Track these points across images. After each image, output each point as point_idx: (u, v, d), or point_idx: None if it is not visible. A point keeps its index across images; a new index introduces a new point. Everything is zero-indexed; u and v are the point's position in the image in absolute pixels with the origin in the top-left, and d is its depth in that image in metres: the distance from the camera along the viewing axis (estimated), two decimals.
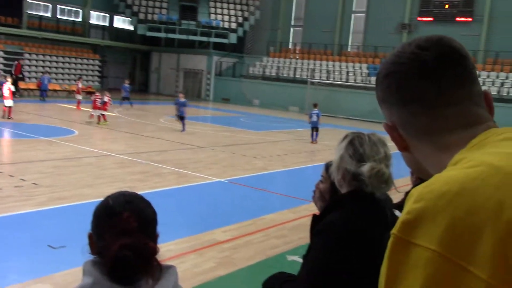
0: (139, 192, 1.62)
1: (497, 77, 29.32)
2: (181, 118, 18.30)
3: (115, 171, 10.59)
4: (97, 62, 36.37)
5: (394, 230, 0.71)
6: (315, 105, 18.88)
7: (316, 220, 2.04)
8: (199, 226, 7.27)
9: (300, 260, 6.47)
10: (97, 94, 19.15)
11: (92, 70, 35.73)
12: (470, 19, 31.69)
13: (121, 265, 1.39)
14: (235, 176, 11.09)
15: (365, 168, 1.90)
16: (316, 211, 2.33)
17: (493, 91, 27.18)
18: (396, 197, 2.32)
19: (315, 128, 18.00)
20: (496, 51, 30.27)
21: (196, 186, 9.92)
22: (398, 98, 0.88)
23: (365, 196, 1.94)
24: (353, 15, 36.57)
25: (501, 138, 0.80)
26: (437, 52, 0.85)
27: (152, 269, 1.44)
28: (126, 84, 26.23)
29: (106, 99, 18.85)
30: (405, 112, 0.87)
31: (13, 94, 18.19)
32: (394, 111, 0.89)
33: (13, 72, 27.68)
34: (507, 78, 29.22)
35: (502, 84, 28.57)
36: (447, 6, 32.52)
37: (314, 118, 17.89)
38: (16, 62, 28.57)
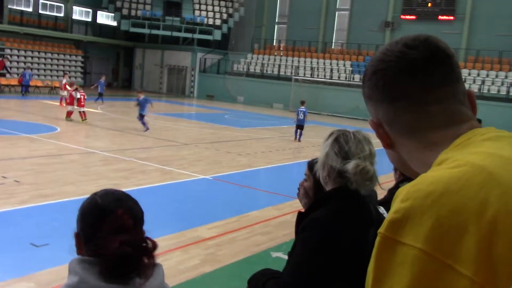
0: (124, 189, 1.62)
1: (478, 75, 29.69)
2: (141, 116, 16.96)
3: (99, 168, 10.52)
4: (80, 58, 36.03)
5: (381, 229, 0.72)
6: (302, 103, 18.35)
7: (301, 217, 2.06)
8: (183, 223, 7.27)
9: (285, 257, 6.53)
10: (70, 89, 18.29)
11: (75, 66, 35.38)
12: (452, 18, 32.02)
13: (122, 262, 1.39)
14: (220, 173, 11.09)
15: (350, 165, 1.92)
16: (300, 207, 2.35)
17: (474, 88, 27.51)
18: (379, 194, 2.35)
19: (300, 126, 17.48)
20: (477, 49, 30.65)
21: (180, 183, 9.91)
22: (384, 95, 0.89)
23: (350, 193, 1.97)
24: (337, 13, 36.72)
25: (484, 138, 0.82)
26: (425, 51, 0.86)
27: (150, 265, 1.45)
28: (102, 80, 26.19)
29: (79, 95, 17.76)
30: (391, 109, 0.89)
31: None
32: (380, 108, 0.91)
33: None
34: (487, 76, 29.61)
35: (483, 82, 28.94)
36: (430, 4, 32.83)
37: (301, 116, 17.34)
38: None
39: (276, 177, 12.00)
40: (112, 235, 1.42)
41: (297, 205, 8.53)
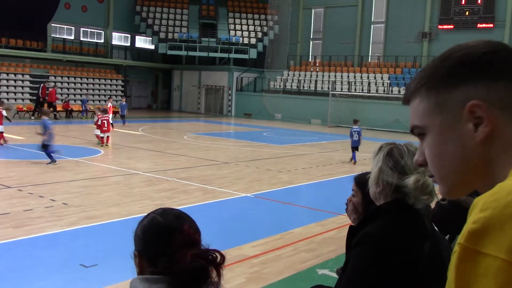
0: None
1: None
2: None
3: (142, 189, 10.69)
4: (120, 82, 36.97)
5: (460, 240, 0.70)
6: (355, 122, 16.65)
7: (353, 231, 2.03)
8: (227, 242, 7.28)
9: (331, 274, 6.42)
10: (99, 114, 17.56)
11: (116, 90, 36.30)
12: (491, 25, 31.35)
13: (197, 275, 1.42)
14: (261, 190, 11.09)
15: (411, 180, 1.88)
16: (347, 223, 2.32)
17: None
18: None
19: (355, 148, 15.92)
20: None
21: (222, 201, 9.95)
22: (508, 74, 0.82)
23: (405, 206, 1.93)
24: (372, 26, 36.51)
25: None
26: None
27: (221, 278, 1.48)
28: (123, 102, 26.45)
29: (100, 120, 17.05)
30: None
31: (7, 118, 17.42)
32: (496, 88, 0.82)
33: (40, 95, 28.38)
34: None
35: None
36: (467, 13, 32.25)
37: (355, 137, 15.74)
38: (41, 84, 29.18)
39: (318, 193, 11.91)
40: (182, 250, 1.45)
41: (341, 221, 8.44)
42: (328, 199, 10.79)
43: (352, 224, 2.25)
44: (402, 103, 0.99)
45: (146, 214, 1.61)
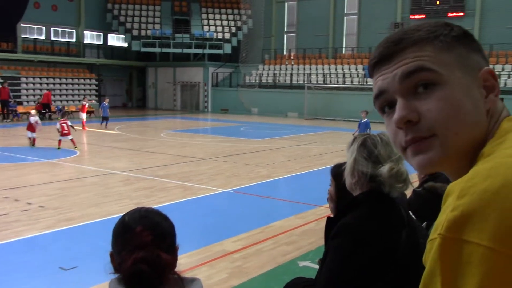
0: None
1: (493, 69, 29.34)
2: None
3: (120, 188, 10.60)
4: (93, 81, 36.49)
5: (440, 230, 0.68)
6: (365, 113, 16.43)
7: (330, 222, 2.05)
8: (208, 238, 7.27)
9: (312, 265, 6.45)
10: (62, 119, 16.99)
11: (90, 90, 35.82)
12: (462, 14, 31.83)
13: (136, 280, 1.41)
14: (240, 185, 11.10)
15: (385, 169, 1.91)
16: (326, 214, 2.35)
17: None
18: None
19: None
20: (490, 43, 30.36)
21: (202, 198, 9.93)
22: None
23: (381, 196, 1.96)
24: (345, 17, 36.73)
25: None
26: None
27: (168, 281, 1.46)
28: (105, 103, 24.71)
29: (58, 125, 16.52)
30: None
31: None
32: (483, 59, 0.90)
33: None
34: (503, 69, 29.29)
35: (499, 76, 28.60)
36: (438, 2, 32.67)
37: (363, 130, 15.37)
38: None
39: (297, 185, 11.97)
40: (129, 252, 1.45)
41: (320, 213, 8.50)
42: (307, 191, 10.85)
43: (331, 213, 2.28)
44: (391, 46, 0.87)
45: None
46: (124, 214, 1.59)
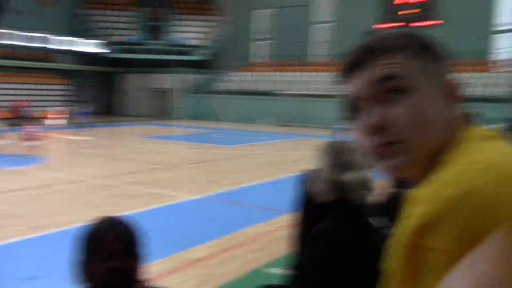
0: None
1: (462, 77, 29.95)
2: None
3: (89, 196, 10.41)
4: (64, 87, 35.91)
5: (405, 236, 0.70)
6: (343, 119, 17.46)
7: (302, 229, 2.06)
8: (179, 245, 7.18)
9: (283, 272, 6.40)
10: (28, 124, 17.25)
11: (60, 95, 35.24)
12: (433, 23, 32.49)
13: None
14: (212, 192, 11.02)
15: (350, 176, 1.93)
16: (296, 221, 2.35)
17: None
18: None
19: None
20: (459, 52, 31.03)
21: (173, 205, 9.82)
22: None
23: (349, 203, 1.97)
24: (318, 26, 37.07)
25: (486, 136, 0.82)
26: None
27: None
28: (80, 109, 24.64)
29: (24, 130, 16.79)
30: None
31: None
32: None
33: None
34: (470, 78, 29.95)
35: (466, 85, 29.24)
36: (408, 11, 33.31)
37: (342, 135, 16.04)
38: None
39: (268, 192, 11.94)
40: (100, 261, 1.42)
41: (292, 219, 8.48)
42: (279, 198, 10.84)
43: (301, 221, 2.28)
44: (363, 53, 0.89)
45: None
46: (93, 222, 1.56)
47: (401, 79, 0.84)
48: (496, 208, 0.65)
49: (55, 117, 22.86)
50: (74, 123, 23.99)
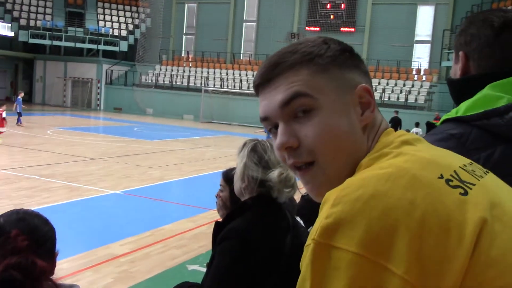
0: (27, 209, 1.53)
1: (379, 83, 31.37)
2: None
3: None
4: None
5: (313, 236, 0.71)
6: None
7: (219, 227, 2.04)
8: (94, 241, 6.97)
9: (201, 269, 6.42)
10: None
11: None
12: (353, 29, 33.63)
13: (7, 286, 1.30)
14: (131, 187, 10.78)
15: (275, 174, 1.94)
16: (216, 218, 2.33)
17: (376, 96, 28.97)
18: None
19: None
20: (377, 59, 32.40)
21: (89, 199, 9.49)
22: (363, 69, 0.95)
23: (268, 201, 1.98)
24: (244, 24, 37.26)
25: (402, 140, 0.85)
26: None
27: None
28: (20, 97, 22.19)
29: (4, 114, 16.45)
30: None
31: None
32: (363, 76, 0.93)
33: None
34: (387, 84, 31.35)
35: (384, 90, 30.60)
36: (332, 16, 34.28)
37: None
38: None
39: (189, 189, 11.87)
40: (1, 257, 1.34)
41: (211, 216, 8.49)
42: (199, 195, 10.81)
43: (220, 219, 2.26)
44: (269, 70, 0.88)
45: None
46: (0, 216, 1.46)
47: (306, 97, 0.84)
48: (396, 212, 0.69)
49: None
50: (19, 113, 21.74)
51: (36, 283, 1.35)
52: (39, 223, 1.47)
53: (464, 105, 1.26)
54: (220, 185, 2.33)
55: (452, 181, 0.75)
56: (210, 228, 7.00)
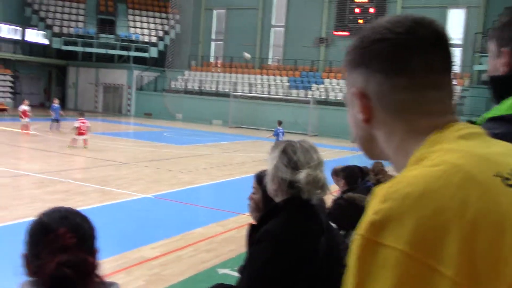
0: None
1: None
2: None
3: (33, 191, 10.07)
4: (8, 77, 34.56)
5: (361, 231, 0.70)
6: (279, 123, 18.39)
7: (253, 229, 2.05)
8: (126, 244, 7.07)
9: (232, 273, 6.43)
10: (81, 118, 17.04)
11: (3, 86, 33.89)
12: None
13: (60, 284, 1.34)
14: (161, 191, 10.90)
15: (302, 175, 1.94)
16: (247, 221, 2.34)
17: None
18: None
19: None
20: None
21: (121, 203, 9.64)
22: (385, 67, 0.83)
23: (301, 203, 1.98)
24: (272, 29, 37.32)
25: (458, 135, 0.81)
26: (435, 32, 0.84)
27: (93, 285, 1.39)
28: (56, 103, 22.24)
29: (78, 123, 16.77)
30: (389, 83, 0.83)
31: None
32: (374, 79, 0.85)
33: None
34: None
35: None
36: (361, 21, 34.04)
37: (281, 137, 16.86)
38: None
39: (218, 193, 11.94)
40: (51, 255, 1.37)
41: (241, 221, 8.52)
42: (229, 199, 10.86)
43: (253, 221, 2.27)
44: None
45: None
46: (41, 214, 1.50)
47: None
48: (447, 212, 0.67)
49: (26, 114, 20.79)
50: (55, 119, 21.85)
51: (87, 280, 1.38)
52: (81, 220, 1.50)
53: (506, 103, 1.23)
54: (253, 187, 2.34)
55: (509, 179, 0.72)
56: (240, 233, 7.03)
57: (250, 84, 34.67)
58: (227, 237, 7.75)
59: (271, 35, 37.38)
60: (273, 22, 37.20)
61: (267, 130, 30.17)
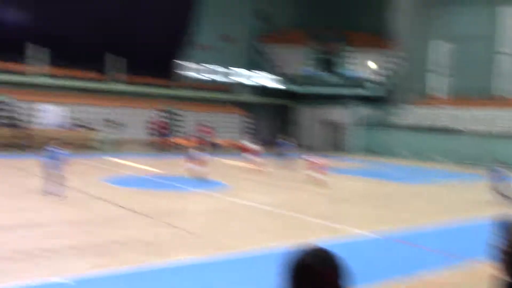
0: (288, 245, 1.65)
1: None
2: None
3: (264, 222, 10.82)
4: (244, 118, 38.25)
5: None
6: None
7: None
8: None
9: None
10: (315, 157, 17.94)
11: (240, 127, 37.65)
12: None
13: None
14: (391, 230, 10.61)
15: None
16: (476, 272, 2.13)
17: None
18: None
19: None
20: None
21: (348, 241, 9.62)
22: None
23: None
24: (504, 57, 34.07)
25: None
26: None
27: None
28: (286, 141, 24.35)
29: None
30: None
31: None
32: None
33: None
34: None
35: None
36: None
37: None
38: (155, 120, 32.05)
39: (447, 235, 11.16)
40: None
41: (474, 269, 7.73)
42: (460, 242, 10.08)
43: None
44: None
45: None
46: (300, 254, 1.59)
47: None
48: None
49: (247, 150, 22.76)
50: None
51: None
52: (337, 259, 1.59)
53: None
54: (498, 235, 2.17)
55: None
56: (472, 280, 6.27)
57: (484, 119, 31.54)
58: (458, 281, 7.18)
59: (504, 65, 34.12)
60: (507, 50, 34.00)
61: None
